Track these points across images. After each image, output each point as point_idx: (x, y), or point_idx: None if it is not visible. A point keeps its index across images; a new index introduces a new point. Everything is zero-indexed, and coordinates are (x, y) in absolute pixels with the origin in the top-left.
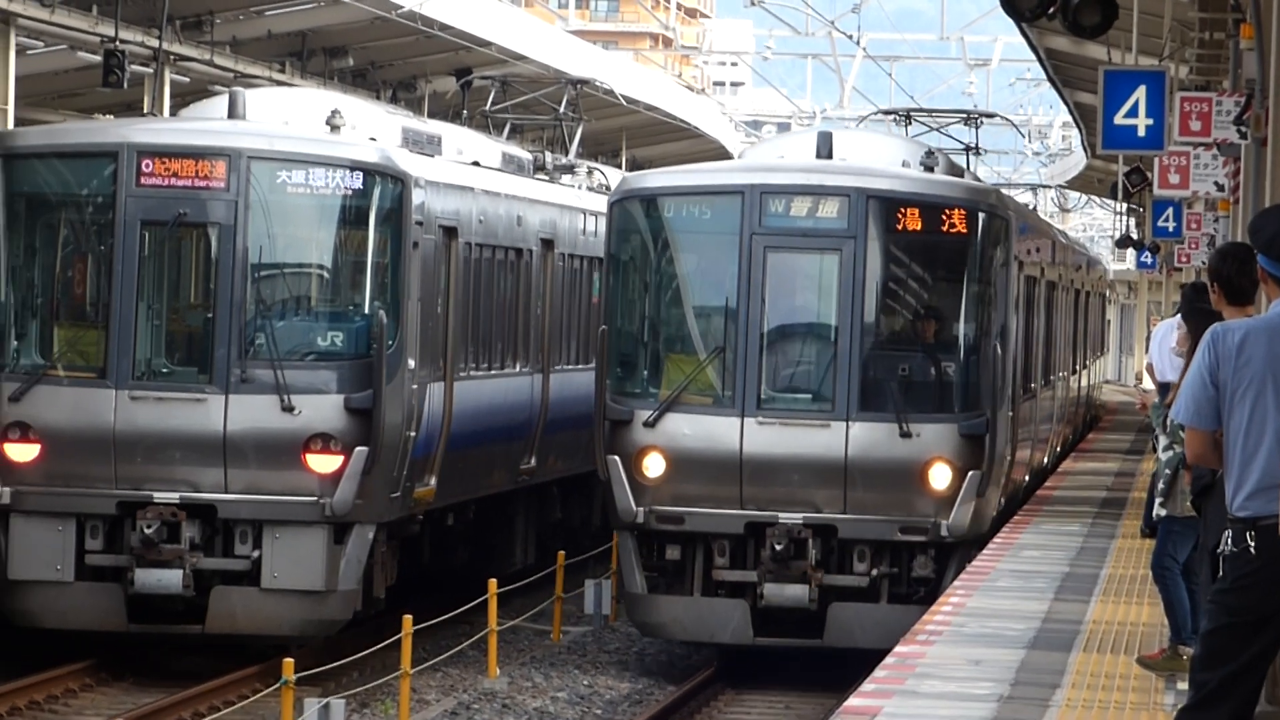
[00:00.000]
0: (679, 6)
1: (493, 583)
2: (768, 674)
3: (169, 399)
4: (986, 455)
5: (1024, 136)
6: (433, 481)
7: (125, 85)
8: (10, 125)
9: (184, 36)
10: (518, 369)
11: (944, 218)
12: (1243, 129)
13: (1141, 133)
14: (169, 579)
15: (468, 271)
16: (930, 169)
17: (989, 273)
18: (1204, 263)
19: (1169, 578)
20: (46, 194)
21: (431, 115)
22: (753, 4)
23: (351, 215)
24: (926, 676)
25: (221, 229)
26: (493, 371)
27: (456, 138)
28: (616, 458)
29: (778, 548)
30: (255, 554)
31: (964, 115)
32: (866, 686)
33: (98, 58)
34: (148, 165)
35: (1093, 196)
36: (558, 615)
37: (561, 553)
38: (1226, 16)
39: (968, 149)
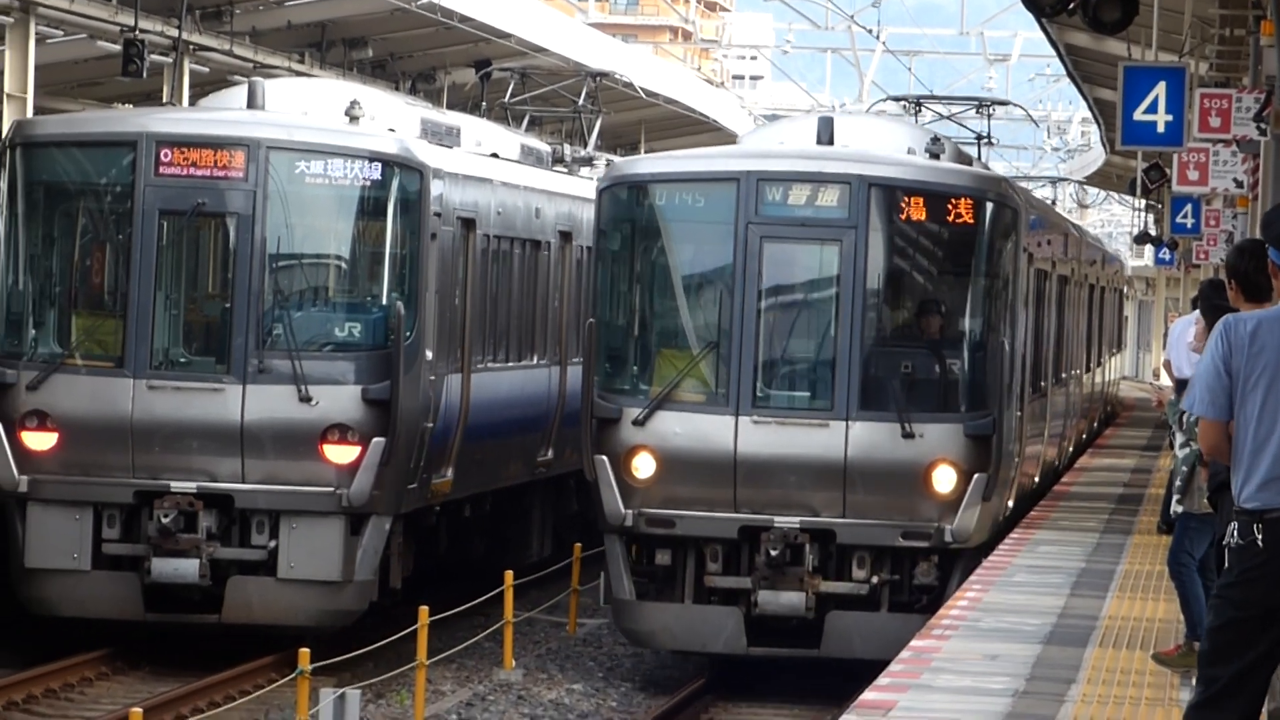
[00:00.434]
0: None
1: (509, 574)
2: (762, 685)
3: (186, 389)
4: (993, 457)
5: (1036, 124)
6: (450, 473)
7: (144, 75)
8: (30, 114)
9: (203, 26)
10: (535, 361)
11: (950, 207)
12: (1262, 126)
13: (1161, 129)
14: (186, 568)
15: (486, 263)
16: (936, 156)
17: (997, 265)
18: (1222, 259)
19: (1185, 574)
20: (65, 183)
21: (450, 107)
22: None
23: (370, 206)
24: (942, 671)
25: (240, 219)
26: (510, 364)
27: (475, 129)
28: (604, 457)
29: (773, 553)
30: (272, 544)
31: (976, 103)
32: (882, 680)
33: (117, 47)
34: (166, 155)
35: (1111, 192)
36: (574, 607)
37: (578, 545)
38: (1247, 13)
39: (979, 138)
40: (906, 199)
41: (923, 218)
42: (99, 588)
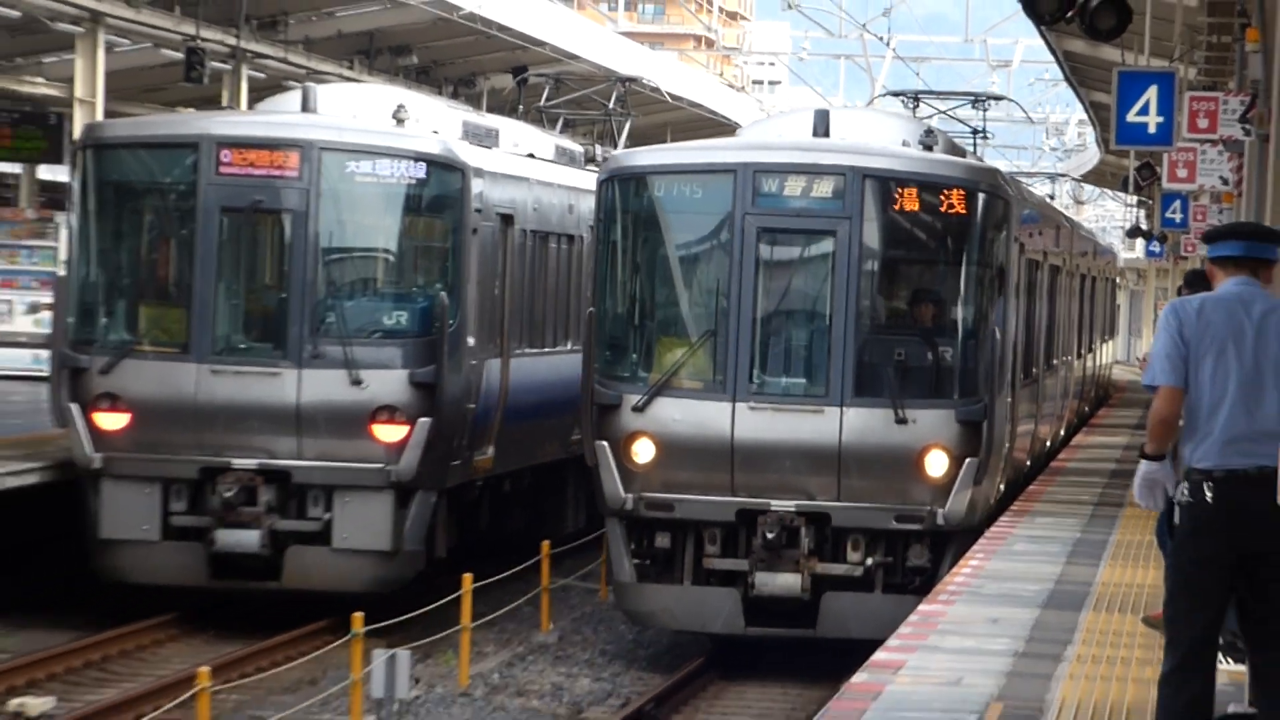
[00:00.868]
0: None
1: (545, 544)
2: (760, 663)
3: (246, 373)
4: (984, 442)
5: (1031, 119)
6: (491, 451)
7: (205, 81)
8: (99, 117)
9: (260, 35)
10: (569, 347)
11: (942, 198)
12: (1247, 127)
13: (1152, 130)
14: (247, 539)
15: (523, 256)
16: (929, 148)
17: (988, 255)
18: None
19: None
20: (132, 182)
21: (490, 110)
22: (790, 7)
23: (415, 203)
24: (948, 633)
25: (294, 215)
26: (545, 350)
27: (513, 131)
28: (605, 443)
29: (769, 536)
30: (326, 516)
31: (972, 98)
32: (892, 642)
33: (180, 55)
34: (226, 155)
35: (1106, 189)
36: (605, 575)
37: None
38: (1233, 21)
39: (975, 132)
40: (900, 189)
41: (915, 208)
42: (167, 557)
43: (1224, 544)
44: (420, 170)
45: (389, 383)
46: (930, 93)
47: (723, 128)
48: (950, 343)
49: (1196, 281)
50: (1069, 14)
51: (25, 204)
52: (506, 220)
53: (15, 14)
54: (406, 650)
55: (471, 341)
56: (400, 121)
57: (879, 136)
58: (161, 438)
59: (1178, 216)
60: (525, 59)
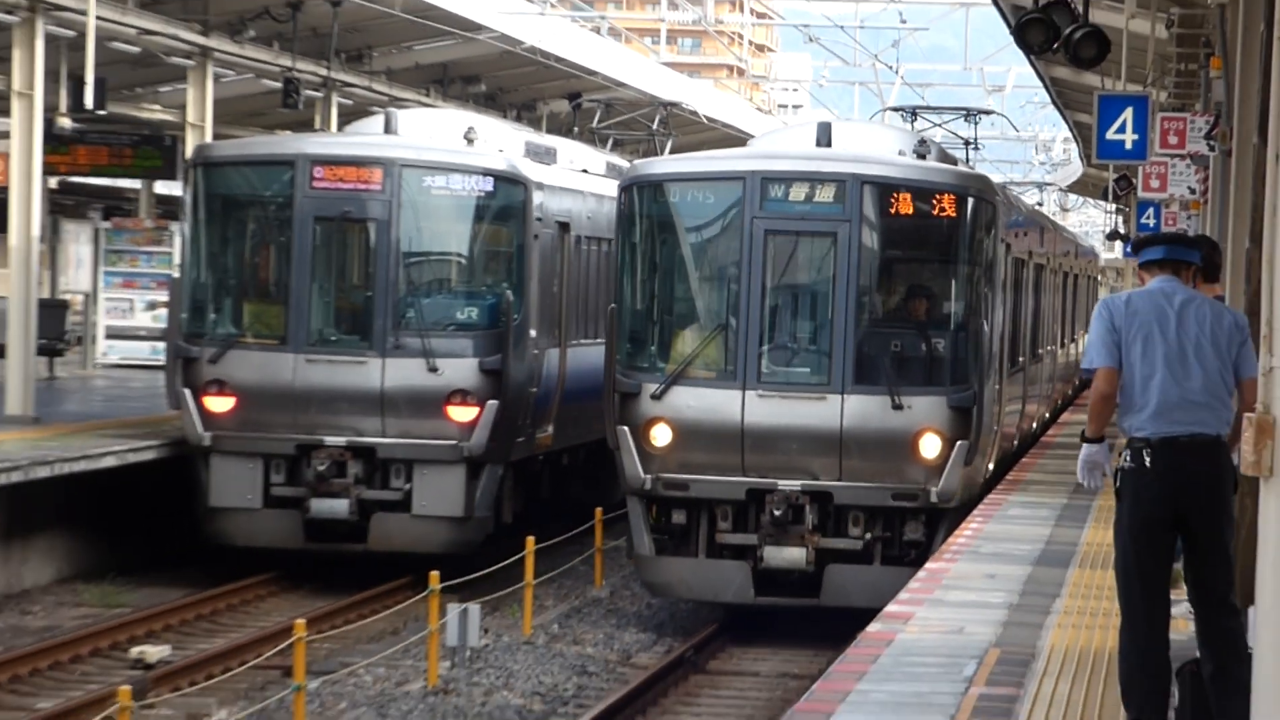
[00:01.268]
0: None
1: (599, 511)
2: (768, 630)
3: (337, 361)
4: (974, 426)
5: (1017, 131)
6: (550, 429)
7: (300, 107)
8: (208, 139)
9: (348, 67)
10: None
11: (934, 202)
12: (1211, 143)
13: (1129, 146)
14: (338, 507)
15: (578, 259)
16: (923, 157)
17: (977, 254)
18: None
19: None
20: (237, 195)
21: (549, 131)
22: (810, 40)
23: (483, 213)
24: (951, 588)
25: (378, 224)
26: (598, 340)
27: (569, 150)
28: (626, 428)
29: (777, 513)
30: (407, 486)
31: (964, 112)
32: (902, 595)
33: (278, 84)
34: (319, 172)
35: (1088, 198)
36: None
37: None
38: (1199, 51)
39: (966, 143)
40: (895, 194)
41: (910, 211)
42: (268, 523)
43: (1163, 504)
44: (488, 184)
45: (461, 370)
46: (926, 108)
47: None
48: (942, 335)
49: None
50: (1055, 45)
51: (144, 215)
52: (564, 227)
53: (136, 49)
54: (477, 604)
55: (533, 333)
56: (470, 141)
57: (877, 147)
58: (263, 418)
59: (1151, 222)
60: (579, 86)
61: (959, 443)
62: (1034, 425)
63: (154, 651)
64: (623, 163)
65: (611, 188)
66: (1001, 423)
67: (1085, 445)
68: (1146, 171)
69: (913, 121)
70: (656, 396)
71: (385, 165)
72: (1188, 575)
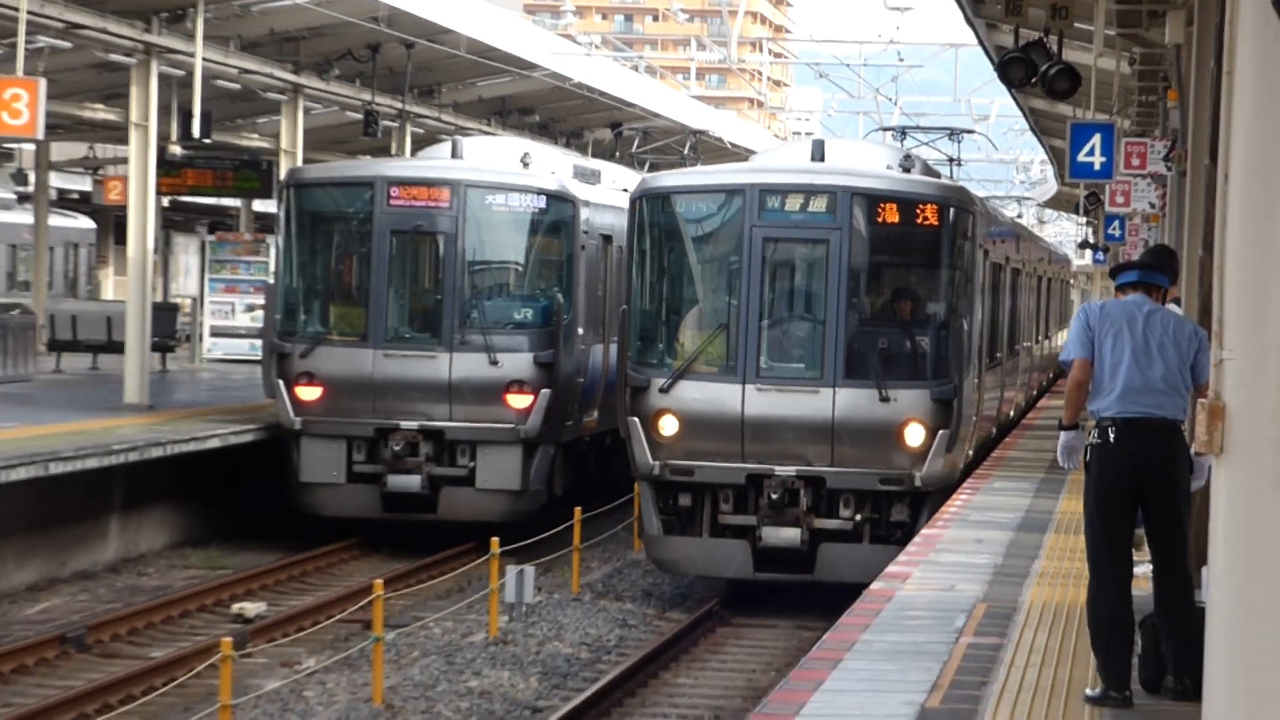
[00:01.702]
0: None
1: (637, 485)
2: (766, 603)
3: (410, 356)
4: (954, 416)
5: (996, 148)
6: (595, 414)
7: (378, 135)
8: (299, 163)
9: (419, 100)
10: None
11: (918, 211)
12: (1169, 164)
13: (1097, 167)
14: (411, 482)
15: (619, 267)
16: (907, 170)
17: (957, 259)
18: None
19: None
20: (325, 212)
21: (594, 155)
22: (821, 76)
23: (537, 226)
24: (944, 551)
25: (446, 236)
26: None
27: (611, 171)
28: (636, 419)
29: (774, 496)
30: (471, 464)
31: (948, 131)
32: (901, 557)
33: (359, 116)
34: (395, 191)
35: (1062, 212)
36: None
37: None
38: (1158, 84)
39: (951, 160)
40: (882, 205)
41: (895, 220)
42: (350, 496)
43: (1126, 477)
44: (541, 202)
45: (518, 363)
46: (914, 127)
47: None
48: (925, 333)
49: None
50: (1033, 79)
51: (244, 229)
52: (607, 239)
53: (237, 86)
54: (532, 566)
55: (581, 331)
56: (526, 165)
57: (866, 162)
58: (346, 405)
59: (1117, 232)
60: (620, 117)
61: (941, 432)
62: (1012, 412)
63: (252, 608)
64: None
65: None
66: (980, 413)
67: (1063, 433)
68: (1113, 189)
69: (902, 140)
70: (664, 390)
71: (452, 185)
72: (1148, 537)
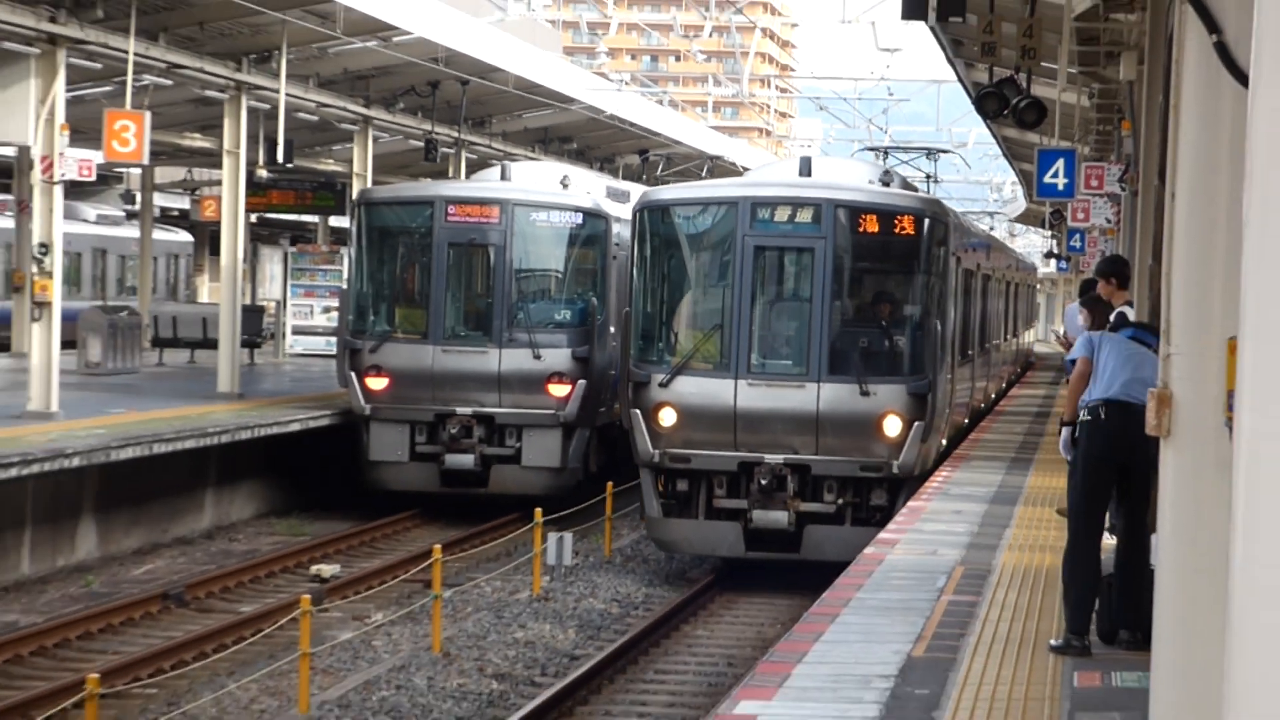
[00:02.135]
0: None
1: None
2: (757, 579)
3: (465, 351)
4: (929, 409)
5: (969, 166)
6: None
7: (438, 160)
8: (369, 185)
9: (473, 130)
10: None
11: (896, 222)
12: (1123, 185)
13: (1061, 187)
14: (466, 460)
15: None
16: (887, 184)
17: (932, 265)
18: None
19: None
20: (391, 227)
21: (624, 178)
22: (821, 109)
23: (575, 240)
24: (927, 521)
25: (496, 249)
26: None
27: (639, 192)
28: (638, 411)
29: (764, 482)
30: (518, 445)
31: (926, 150)
32: (891, 525)
33: (421, 144)
34: (452, 209)
35: (1031, 226)
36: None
37: None
38: (1113, 115)
39: (928, 177)
40: (863, 215)
41: (875, 230)
42: (413, 473)
43: (1111, 452)
44: (579, 218)
45: (558, 357)
46: (895, 146)
47: None
48: (902, 333)
49: (1088, 288)
50: (1005, 111)
51: (321, 242)
52: None
53: (315, 118)
54: (570, 533)
55: (612, 330)
56: (565, 186)
57: (849, 177)
58: (409, 394)
59: (1078, 244)
60: (647, 144)
61: (916, 423)
62: (984, 403)
63: (328, 569)
64: None
65: None
66: (953, 405)
67: (1064, 428)
68: (1074, 206)
69: (884, 158)
70: (663, 385)
71: (501, 204)
72: (1120, 508)
